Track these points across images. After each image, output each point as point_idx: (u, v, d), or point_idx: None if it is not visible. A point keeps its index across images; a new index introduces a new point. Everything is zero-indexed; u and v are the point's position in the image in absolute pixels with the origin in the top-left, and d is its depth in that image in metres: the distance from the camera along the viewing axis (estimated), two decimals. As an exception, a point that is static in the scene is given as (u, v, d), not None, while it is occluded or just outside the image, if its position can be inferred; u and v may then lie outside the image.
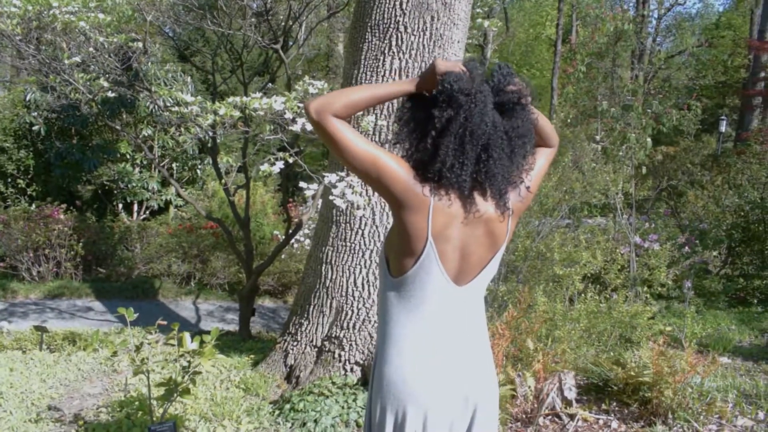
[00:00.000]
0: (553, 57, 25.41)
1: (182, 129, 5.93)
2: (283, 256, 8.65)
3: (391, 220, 4.07)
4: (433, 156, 1.55)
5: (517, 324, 3.92)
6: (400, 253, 1.65)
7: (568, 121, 7.78)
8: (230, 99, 3.59)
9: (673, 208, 10.08)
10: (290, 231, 5.61)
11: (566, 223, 6.79)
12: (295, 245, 8.37)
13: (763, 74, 16.92)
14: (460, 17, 4.06)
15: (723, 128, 20.57)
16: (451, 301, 1.66)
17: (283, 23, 7.31)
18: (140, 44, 5.06)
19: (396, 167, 1.58)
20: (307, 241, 9.04)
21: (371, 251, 4.09)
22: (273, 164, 3.43)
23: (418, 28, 3.94)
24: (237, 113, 3.55)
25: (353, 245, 4.10)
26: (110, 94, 5.45)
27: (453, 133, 1.53)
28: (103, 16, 4.21)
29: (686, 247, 7.93)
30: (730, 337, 5.81)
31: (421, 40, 3.96)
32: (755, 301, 7.81)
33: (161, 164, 11.47)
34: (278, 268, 8.70)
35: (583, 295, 4.94)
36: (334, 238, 4.17)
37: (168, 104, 4.87)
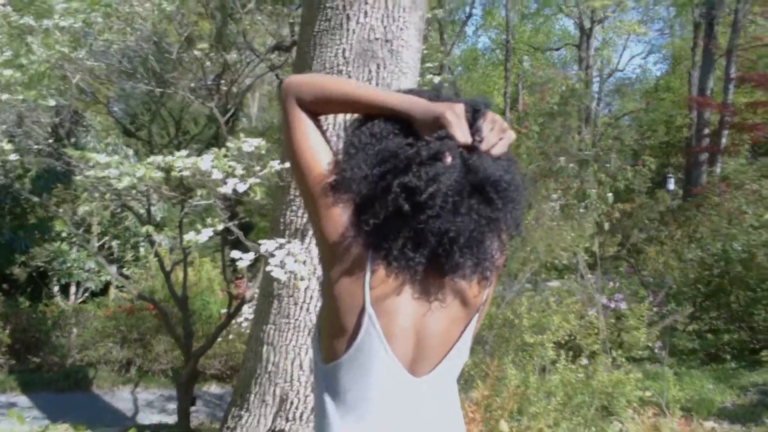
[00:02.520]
0: (503, 124, 25.79)
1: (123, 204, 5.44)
2: (230, 336, 8.01)
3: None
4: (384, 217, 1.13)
5: (488, 403, 3.44)
6: (330, 331, 1.20)
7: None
8: (151, 158, 3.13)
9: (634, 266, 9.85)
10: (233, 309, 5.07)
11: (526, 287, 6.43)
12: (244, 324, 7.77)
13: (707, 130, 17.34)
14: (408, 65, 3.74)
15: (671, 185, 20.97)
16: (405, 398, 1.20)
17: (226, 89, 6.96)
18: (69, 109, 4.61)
19: (334, 203, 1.16)
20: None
21: (319, 328, 3.58)
22: (199, 233, 2.95)
23: (364, 77, 3.59)
24: (159, 174, 3.08)
25: (298, 322, 3.59)
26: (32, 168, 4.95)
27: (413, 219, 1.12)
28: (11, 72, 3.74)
29: (657, 306, 7.63)
30: (711, 398, 5.42)
31: (365, 90, 3.61)
32: (728, 357, 7.50)
33: (101, 242, 10.81)
34: (225, 350, 8.04)
35: (556, 364, 4.50)
36: (275, 315, 3.66)
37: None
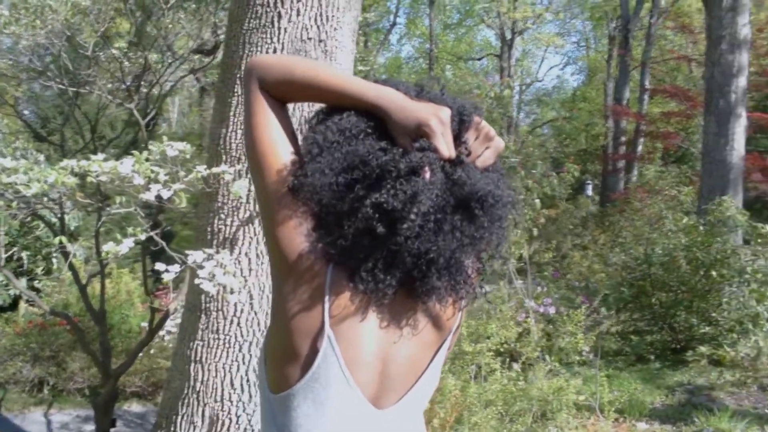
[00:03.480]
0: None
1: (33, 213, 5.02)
2: (152, 351, 7.60)
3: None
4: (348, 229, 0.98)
5: (429, 418, 3.33)
6: (280, 356, 1.04)
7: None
8: (64, 162, 2.85)
9: (559, 270, 10.05)
10: (155, 323, 4.76)
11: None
12: (167, 337, 7.40)
13: (623, 139, 18.05)
14: (342, 67, 3.59)
15: (589, 192, 21.70)
16: None
17: (147, 91, 6.60)
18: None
19: (293, 212, 1.01)
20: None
21: (250, 344, 3.37)
22: (120, 242, 2.70)
23: (295, 78, 3.41)
24: (72, 180, 2.80)
25: (228, 338, 3.37)
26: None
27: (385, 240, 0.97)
28: None
29: (593, 311, 7.77)
30: (642, 399, 5.51)
31: (299, 92, 3.44)
32: (652, 357, 7.71)
33: (9, 254, 10.08)
34: (146, 366, 7.60)
35: (495, 371, 4.45)
36: (203, 331, 3.42)
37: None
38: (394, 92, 1.01)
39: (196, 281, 2.84)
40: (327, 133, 1.01)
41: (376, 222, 0.93)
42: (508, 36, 25.17)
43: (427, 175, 0.94)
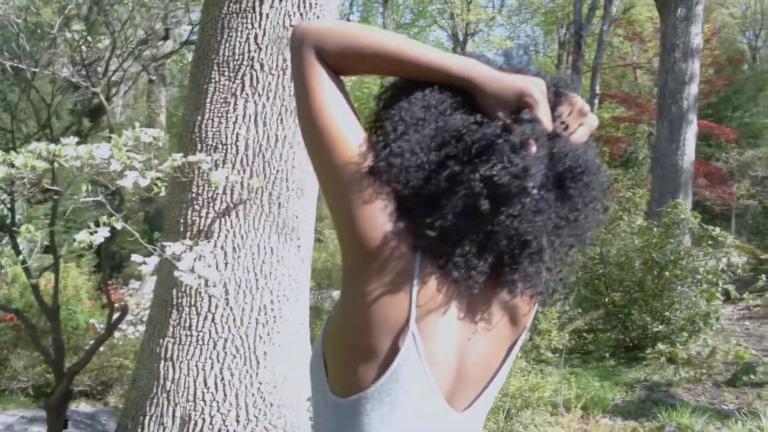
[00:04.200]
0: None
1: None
2: (102, 349, 7.29)
3: (256, 297, 3.28)
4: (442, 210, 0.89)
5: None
6: (351, 356, 0.94)
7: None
8: (33, 146, 2.66)
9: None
10: (113, 319, 4.54)
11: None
12: (116, 334, 7.11)
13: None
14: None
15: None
16: None
17: (105, 77, 6.32)
18: None
19: (375, 194, 0.90)
20: (131, 329, 7.75)
21: (225, 340, 3.24)
22: (93, 233, 2.53)
23: (278, 66, 3.30)
24: (42, 164, 2.62)
25: (201, 334, 3.23)
26: None
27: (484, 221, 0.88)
28: None
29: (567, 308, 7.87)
30: (603, 396, 5.60)
31: (280, 80, 3.33)
32: (607, 355, 7.87)
33: (-56, 246, 9.54)
34: (96, 364, 7.28)
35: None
36: (175, 327, 3.27)
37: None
38: (479, 64, 0.93)
39: (176, 273, 2.70)
40: (413, 109, 0.92)
41: (484, 198, 0.86)
42: (461, 38, 25.37)
43: (533, 148, 0.86)
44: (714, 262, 7.71)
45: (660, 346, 6.83)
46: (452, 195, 0.87)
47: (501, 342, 1.01)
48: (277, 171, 3.36)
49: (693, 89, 9.75)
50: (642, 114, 14.84)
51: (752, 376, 5.79)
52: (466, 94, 0.92)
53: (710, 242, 8.09)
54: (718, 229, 8.02)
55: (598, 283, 8.43)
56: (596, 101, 17.95)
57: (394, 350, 0.91)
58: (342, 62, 0.95)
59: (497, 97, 0.90)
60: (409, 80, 0.96)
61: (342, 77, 0.98)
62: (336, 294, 5.44)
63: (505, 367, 1.03)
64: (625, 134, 16.59)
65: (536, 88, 0.89)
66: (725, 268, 7.66)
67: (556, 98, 0.94)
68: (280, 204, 3.38)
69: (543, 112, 0.89)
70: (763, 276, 10.62)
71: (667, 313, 7.65)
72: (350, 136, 0.92)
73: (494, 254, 0.90)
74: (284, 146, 3.37)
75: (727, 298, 8.34)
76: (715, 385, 5.93)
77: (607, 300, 8.38)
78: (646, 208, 9.87)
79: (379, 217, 0.90)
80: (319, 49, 0.94)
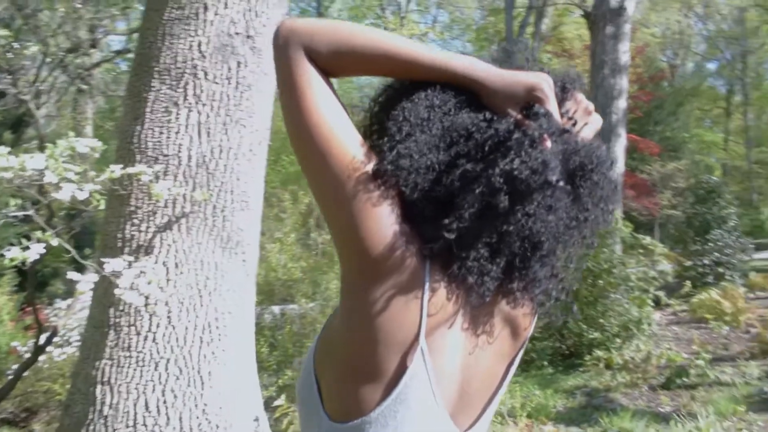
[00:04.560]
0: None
1: None
2: (26, 373, 6.87)
3: (200, 315, 3.14)
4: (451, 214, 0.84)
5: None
6: (352, 375, 0.88)
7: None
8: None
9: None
10: (40, 342, 4.28)
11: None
12: (41, 357, 6.71)
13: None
14: (270, 66, 3.42)
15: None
16: None
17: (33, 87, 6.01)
18: None
19: (381, 198, 0.84)
20: (57, 352, 7.36)
21: (168, 361, 3.08)
22: (26, 248, 2.36)
23: (222, 74, 3.20)
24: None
25: (142, 355, 3.06)
26: None
27: (496, 218, 0.84)
28: None
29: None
30: (545, 403, 5.68)
31: (225, 89, 3.22)
32: (545, 363, 8.00)
33: None
34: (20, 389, 6.86)
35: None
36: (113, 348, 3.09)
37: None
38: (480, 61, 0.90)
39: (117, 291, 2.54)
40: (417, 109, 0.87)
41: (504, 194, 0.81)
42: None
43: (548, 143, 0.83)
44: (645, 270, 7.99)
45: (598, 352, 6.99)
46: (468, 194, 0.83)
47: (501, 357, 0.97)
48: (222, 183, 3.24)
49: (621, 104, 10.14)
50: (572, 127, 15.33)
51: (685, 379, 6.00)
52: (469, 93, 0.89)
53: (641, 251, 8.39)
54: (648, 239, 8.33)
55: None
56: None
57: (401, 369, 0.85)
58: (335, 63, 0.88)
59: (506, 93, 0.87)
60: (407, 81, 0.91)
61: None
62: (277, 309, 5.31)
63: (504, 384, 0.99)
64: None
65: (545, 83, 0.87)
66: (655, 276, 7.95)
67: (562, 94, 0.92)
68: (224, 217, 3.26)
69: (554, 107, 0.86)
70: (688, 282, 11.11)
71: (601, 320, 7.86)
72: (348, 140, 0.87)
73: (506, 257, 0.86)
74: (229, 157, 3.26)
75: (656, 304, 8.65)
76: (651, 389, 6.12)
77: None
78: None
79: (385, 222, 0.84)
80: (308, 48, 0.87)
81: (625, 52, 10.01)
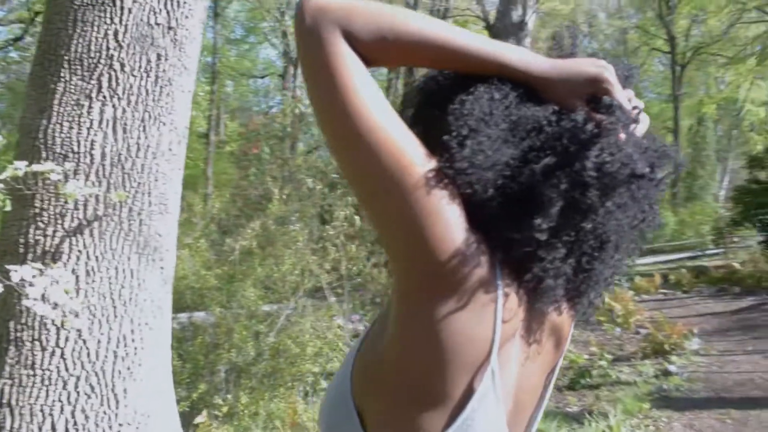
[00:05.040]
0: (206, 147, 25.47)
1: None
2: None
3: (114, 327, 2.88)
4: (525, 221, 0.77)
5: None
6: (412, 403, 0.77)
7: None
8: None
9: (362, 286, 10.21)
10: None
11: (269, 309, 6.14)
12: None
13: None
14: (191, 61, 3.22)
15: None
16: None
17: None
18: None
19: (450, 197, 0.75)
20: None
21: (78, 378, 2.80)
22: None
23: (141, 66, 2.96)
24: None
25: (48, 373, 2.77)
26: None
27: (576, 218, 0.78)
28: None
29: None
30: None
31: (144, 82, 2.99)
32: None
33: None
34: None
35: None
36: (13, 366, 2.77)
37: None
38: (529, 52, 0.83)
39: (26, 302, 2.27)
40: (480, 103, 0.79)
41: (596, 189, 0.74)
42: (295, 56, 25.40)
43: (623, 135, 0.77)
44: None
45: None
46: (552, 189, 0.76)
47: (544, 368, 0.91)
48: (139, 184, 3.01)
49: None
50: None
51: (588, 379, 6.27)
52: (525, 86, 0.82)
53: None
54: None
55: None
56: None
57: (469, 391, 0.76)
58: (378, 51, 0.78)
59: (566, 85, 0.80)
60: (452, 73, 0.83)
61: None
62: (184, 316, 5.03)
63: (547, 396, 0.93)
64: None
65: (608, 72, 0.81)
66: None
67: (625, 83, 0.87)
68: (141, 221, 3.02)
69: (622, 97, 0.81)
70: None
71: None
72: (402, 135, 0.77)
73: (576, 258, 0.79)
74: (147, 156, 3.03)
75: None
76: (557, 390, 6.34)
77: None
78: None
79: (454, 224, 0.75)
80: (345, 30, 0.76)
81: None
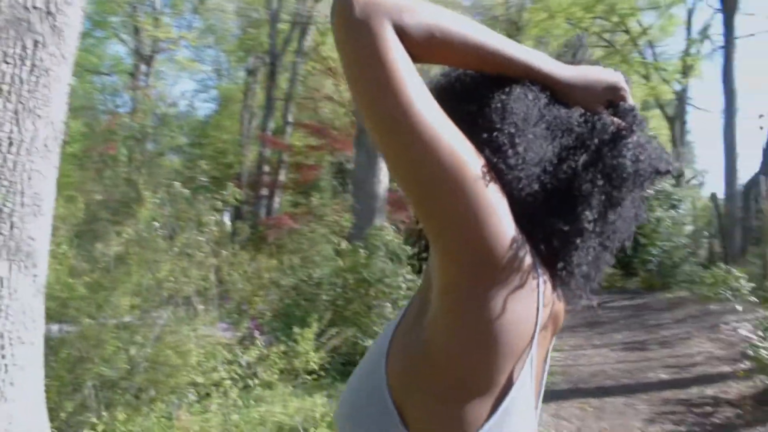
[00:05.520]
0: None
1: None
2: None
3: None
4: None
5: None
6: (460, 392, 0.79)
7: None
8: None
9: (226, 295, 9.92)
10: None
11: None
12: None
13: (266, 168, 18.81)
14: (70, 50, 2.98)
15: (227, 218, 21.98)
16: None
17: None
18: None
19: (501, 191, 0.78)
20: None
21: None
22: None
23: (15, 54, 2.69)
24: None
25: None
26: None
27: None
28: None
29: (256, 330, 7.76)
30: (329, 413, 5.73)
31: (17, 71, 2.71)
32: (322, 373, 8.11)
33: None
34: None
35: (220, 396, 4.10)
36: None
37: None
38: (550, 57, 0.88)
39: None
40: (523, 103, 0.83)
41: (632, 183, 0.82)
42: (146, 53, 24.18)
43: (635, 137, 0.84)
44: (413, 278, 8.56)
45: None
46: (589, 184, 0.82)
47: (545, 353, 0.96)
48: (11, 182, 2.72)
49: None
50: (334, 144, 15.88)
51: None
52: (549, 89, 0.87)
53: (408, 261, 8.97)
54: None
55: (307, 304, 8.67)
56: (289, 129, 18.67)
57: (510, 378, 0.79)
58: (426, 49, 0.78)
59: (588, 91, 0.87)
60: (481, 74, 0.86)
61: None
62: (56, 327, 4.57)
63: (544, 378, 0.98)
64: (315, 162, 17.52)
65: (623, 81, 0.90)
66: (423, 284, 8.58)
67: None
68: (12, 223, 2.74)
69: (634, 103, 0.90)
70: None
71: (375, 329, 8.22)
72: (454, 131, 0.78)
73: (599, 248, 0.87)
74: (20, 152, 2.75)
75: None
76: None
77: (316, 318, 8.68)
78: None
79: (506, 217, 0.78)
80: (397, 25, 0.75)
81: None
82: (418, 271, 1.04)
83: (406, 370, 0.84)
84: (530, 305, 0.80)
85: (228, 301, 9.65)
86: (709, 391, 5.55)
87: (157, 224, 6.68)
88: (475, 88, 0.87)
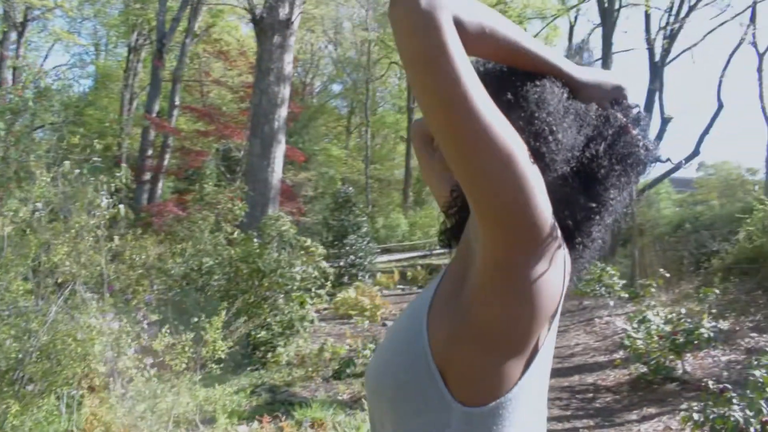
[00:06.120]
0: None
1: None
2: None
3: None
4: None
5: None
6: (503, 349, 0.89)
7: None
8: None
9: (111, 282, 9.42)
10: None
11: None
12: None
13: (150, 151, 17.98)
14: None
15: (104, 202, 20.74)
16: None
17: None
18: None
19: (540, 175, 0.87)
20: None
21: None
22: None
23: None
24: None
25: None
26: None
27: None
28: None
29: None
30: (238, 402, 5.65)
31: None
32: (212, 365, 7.93)
33: None
34: None
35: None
36: None
37: None
38: (566, 58, 0.99)
39: None
40: (554, 95, 0.94)
41: (643, 167, 0.97)
42: (20, 20, 22.38)
43: (634, 132, 0.97)
44: (307, 270, 8.53)
45: (281, 349, 7.31)
46: (609, 168, 0.95)
47: None
48: None
49: (283, 112, 10.66)
50: (224, 130, 15.47)
51: (353, 368, 6.65)
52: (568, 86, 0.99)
53: (302, 252, 8.92)
54: (309, 240, 8.90)
55: (204, 293, 8.45)
56: (175, 112, 17.94)
57: (538, 343, 0.92)
58: (475, 41, 0.86)
59: (599, 90, 1.00)
60: (505, 68, 0.97)
61: None
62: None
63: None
64: (202, 148, 16.98)
65: (624, 82, 1.02)
66: (317, 276, 8.56)
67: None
68: None
69: (634, 102, 1.03)
70: (329, 282, 12.23)
71: (269, 320, 8.12)
72: (503, 117, 0.84)
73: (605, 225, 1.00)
74: None
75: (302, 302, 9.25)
76: (325, 380, 6.61)
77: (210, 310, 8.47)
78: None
79: (545, 196, 0.86)
80: (458, 19, 0.82)
81: (289, 62, 10.57)
82: (447, 246, 1.14)
83: (454, 331, 0.90)
84: (560, 275, 0.90)
85: (111, 289, 9.19)
86: (589, 379, 6.04)
87: (47, 205, 6.27)
88: (516, 78, 0.95)
